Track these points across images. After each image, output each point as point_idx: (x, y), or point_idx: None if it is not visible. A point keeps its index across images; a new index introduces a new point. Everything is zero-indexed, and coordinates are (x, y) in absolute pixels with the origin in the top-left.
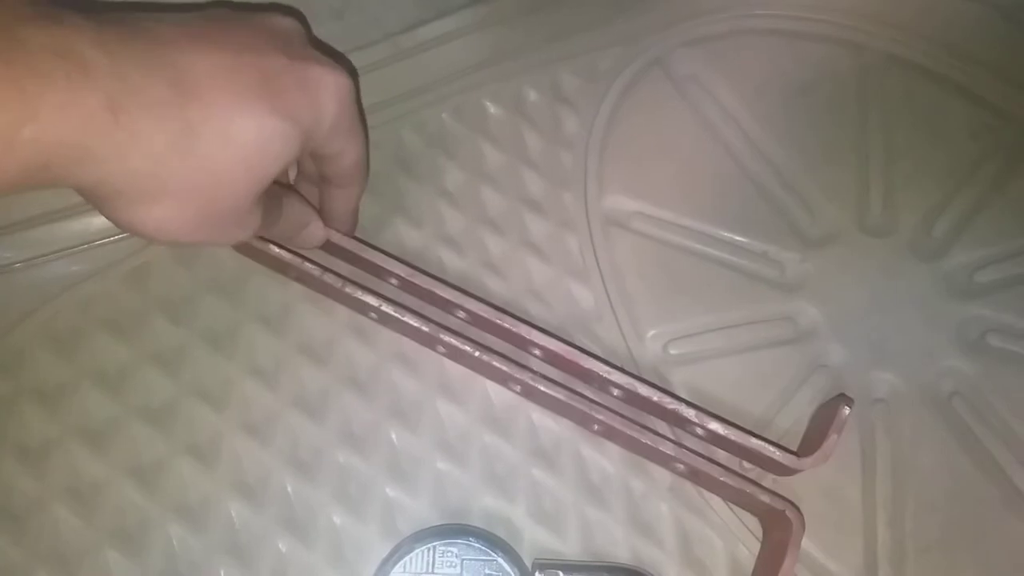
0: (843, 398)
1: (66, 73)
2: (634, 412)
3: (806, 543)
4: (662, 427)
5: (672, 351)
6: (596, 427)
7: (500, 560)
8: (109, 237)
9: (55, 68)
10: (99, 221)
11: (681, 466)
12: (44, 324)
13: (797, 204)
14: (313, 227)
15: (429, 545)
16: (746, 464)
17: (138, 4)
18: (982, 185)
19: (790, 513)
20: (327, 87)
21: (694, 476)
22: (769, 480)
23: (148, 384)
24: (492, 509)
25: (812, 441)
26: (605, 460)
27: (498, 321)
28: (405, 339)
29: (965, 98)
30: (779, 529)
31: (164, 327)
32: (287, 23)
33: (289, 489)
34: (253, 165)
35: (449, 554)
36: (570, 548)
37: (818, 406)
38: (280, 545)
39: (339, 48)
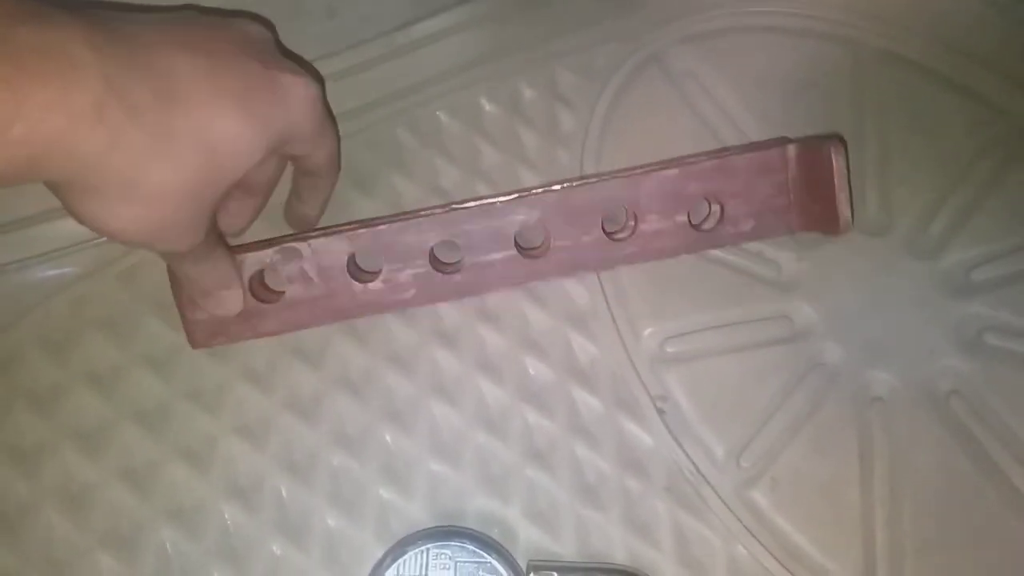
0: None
1: (56, 71)
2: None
3: (803, 541)
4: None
5: (668, 349)
6: (631, 250)
7: (494, 562)
8: (101, 238)
9: (45, 66)
10: None
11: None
12: (36, 325)
13: None
14: (232, 294)
15: (422, 548)
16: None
17: (113, 4)
18: (978, 182)
19: (828, 145)
20: (297, 94)
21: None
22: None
23: (141, 386)
24: (487, 510)
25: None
26: (600, 459)
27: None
28: (398, 341)
29: (961, 94)
30: (817, 170)
31: (157, 328)
32: (259, 31)
33: (283, 492)
34: (221, 167)
35: (443, 556)
36: (565, 549)
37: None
38: (274, 548)
39: (333, 47)
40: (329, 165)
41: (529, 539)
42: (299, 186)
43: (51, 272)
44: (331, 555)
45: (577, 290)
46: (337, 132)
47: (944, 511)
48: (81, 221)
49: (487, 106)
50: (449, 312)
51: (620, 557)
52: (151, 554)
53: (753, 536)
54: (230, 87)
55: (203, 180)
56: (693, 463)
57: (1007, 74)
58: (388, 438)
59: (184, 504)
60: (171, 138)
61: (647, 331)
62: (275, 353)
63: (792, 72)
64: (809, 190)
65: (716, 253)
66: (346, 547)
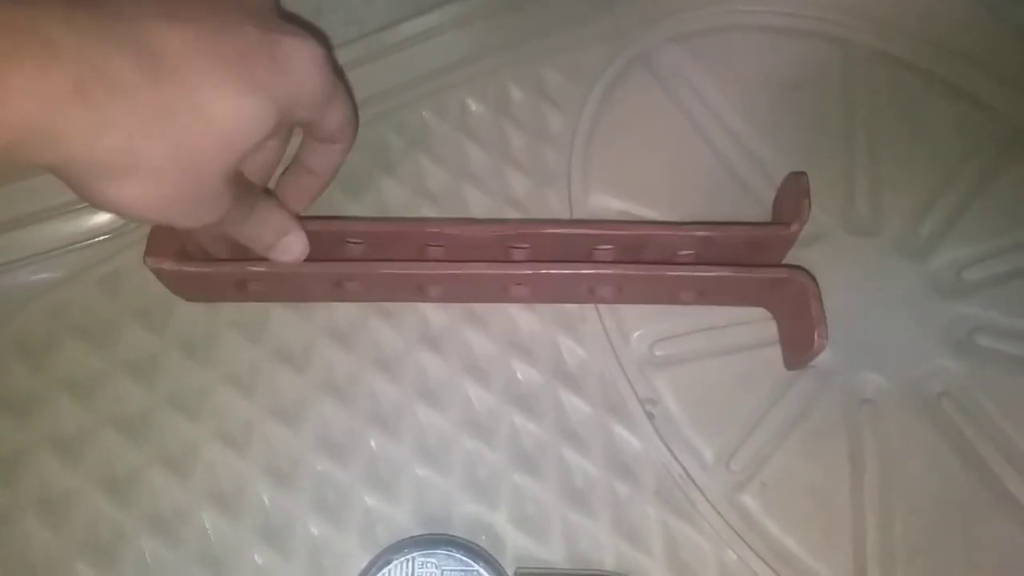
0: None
1: (31, 53)
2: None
3: (794, 545)
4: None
5: (657, 352)
6: (598, 290)
7: (481, 570)
8: (81, 242)
9: (20, 48)
10: (70, 226)
11: (690, 294)
12: (15, 331)
13: None
14: (293, 237)
15: (408, 556)
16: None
17: None
18: (968, 182)
19: (798, 276)
20: (302, 60)
21: (701, 295)
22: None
23: (121, 392)
24: (474, 516)
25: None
26: (589, 463)
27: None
28: (384, 344)
29: (950, 93)
30: (789, 303)
31: (137, 334)
32: None
33: (265, 499)
34: (228, 143)
35: (429, 565)
36: (554, 555)
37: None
38: (256, 557)
39: None
40: (343, 129)
41: (517, 546)
42: (308, 154)
43: (30, 277)
44: (315, 564)
45: None
46: (350, 93)
47: (935, 513)
48: (91, 203)
49: (474, 106)
50: (435, 315)
51: (609, 563)
52: (130, 563)
53: (743, 540)
54: (225, 55)
55: (206, 154)
56: (683, 467)
57: (997, 74)
58: (373, 443)
59: (164, 512)
60: (168, 114)
61: (636, 334)
62: (258, 357)
63: (781, 71)
64: (790, 315)
65: None
66: (330, 555)
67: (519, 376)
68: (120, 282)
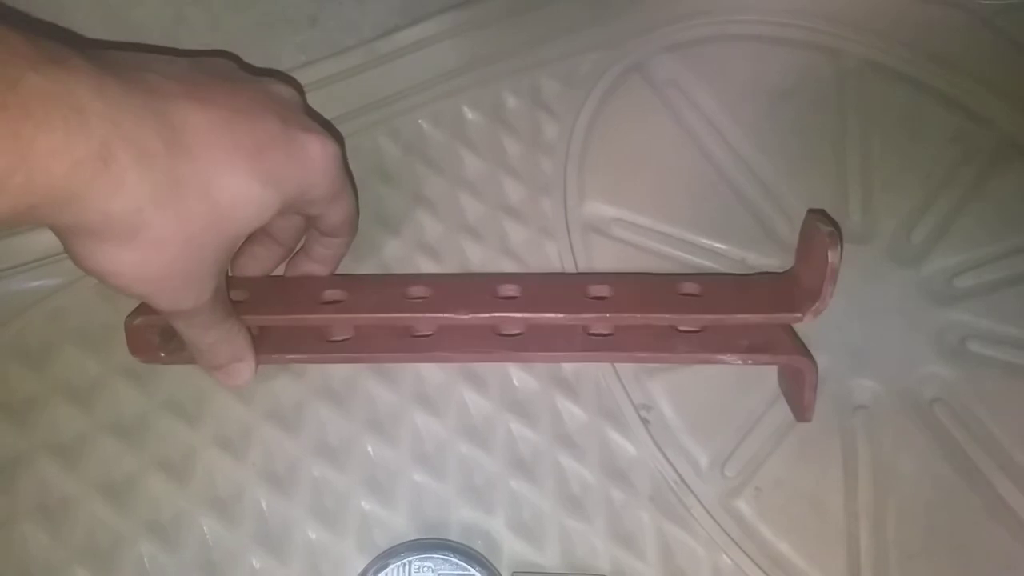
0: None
1: (63, 118)
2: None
3: (788, 550)
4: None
5: None
6: (597, 339)
7: (477, 574)
8: None
9: (51, 113)
10: None
11: (687, 344)
12: (14, 337)
13: (776, 211)
14: (245, 366)
15: (405, 560)
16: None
17: (144, 47)
18: (960, 190)
19: (798, 362)
20: (314, 154)
21: (702, 349)
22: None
23: (119, 398)
24: (470, 521)
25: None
26: (585, 469)
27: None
28: None
29: (943, 103)
30: (788, 376)
31: None
32: (285, 90)
33: (263, 504)
34: (225, 221)
35: (425, 569)
36: (550, 560)
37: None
38: (254, 562)
39: (315, 55)
40: (344, 227)
41: (513, 550)
42: (311, 244)
43: (29, 284)
44: (312, 568)
45: None
46: (355, 194)
47: (928, 518)
48: (78, 263)
49: (470, 114)
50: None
51: (604, 567)
52: (129, 568)
53: (737, 545)
54: (241, 143)
55: (206, 233)
56: (677, 472)
57: (988, 83)
58: (370, 448)
59: (162, 517)
60: (177, 188)
61: None
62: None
63: (775, 80)
64: (790, 375)
65: (699, 261)
66: (327, 560)
67: (515, 382)
68: None
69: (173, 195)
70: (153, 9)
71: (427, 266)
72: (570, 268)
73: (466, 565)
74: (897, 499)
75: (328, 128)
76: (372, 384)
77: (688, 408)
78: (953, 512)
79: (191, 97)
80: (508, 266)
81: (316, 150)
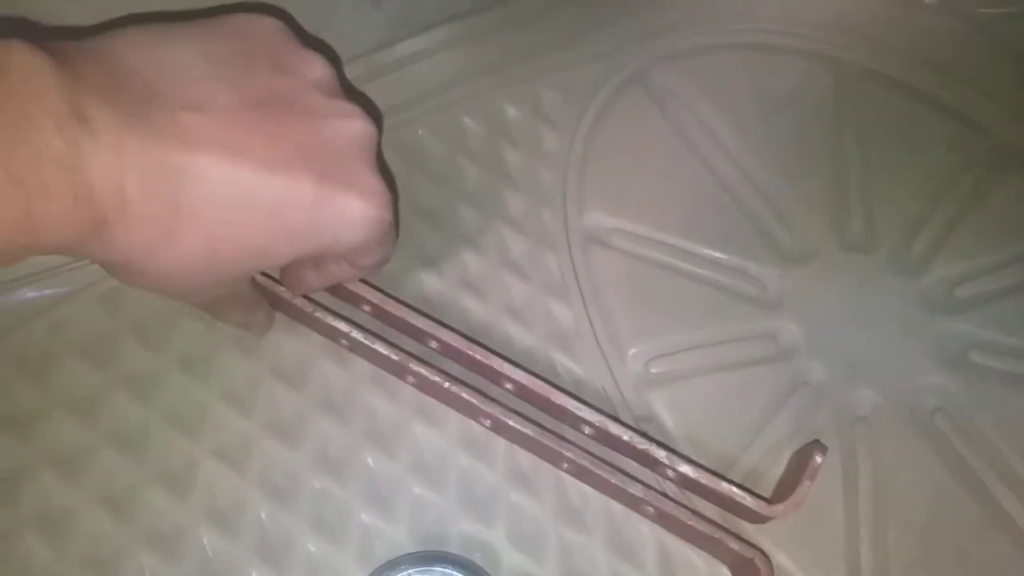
0: (817, 445)
1: (72, 196)
2: (605, 451)
3: (788, 563)
4: (633, 467)
5: (653, 369)
6: (565, 465)
7: None
8: (82, 260)
9: (63, 191)
10: None
11: (651, 509)
12: (15, 349)
13: (776, 220)
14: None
15: (405, 573)
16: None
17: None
18: (960, 198)
19: (759, 561)
20: (352, 218)
21: (663, 520)
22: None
23: (121, 410)
24: (470, 534)
25: (786, 486)
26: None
27: (470, 352)
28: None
29: (942, 111)
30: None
31: (137, 352)
32: (351, 128)
33: (263, 516)
34: (221, 277)
35: None
36: (549, 573)
37: (793, 453)
38: (254, 574)
39: None
40: (371, 270)
41: (512, 563)
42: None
43: (30, 294)
44: None
45: (561, 311)
46: (394, 244)
47: (929, 529)
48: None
49: (470, 125)
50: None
51: None
52: None
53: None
54: (260, 204)
55: (202, 276)
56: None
57: (987, 90)
58: (370, 461)
59: (163, 530)
60: (171, 240)
61: (631, 351)
62: (257, 375)
63: (773, 90)
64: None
65: (699, 271)
66: (327, 572)
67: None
68: (120, 299)
69: (168, 247)
70: None
71: (426, 277)
72: (570, 279)
73: None
74: (897, 509)
75: (384, 170)
76: (372, 396)
77: (688, 420)
78: (953, 523)
79: (223, 144)
80: (507, 277)
81: (354, 212)
